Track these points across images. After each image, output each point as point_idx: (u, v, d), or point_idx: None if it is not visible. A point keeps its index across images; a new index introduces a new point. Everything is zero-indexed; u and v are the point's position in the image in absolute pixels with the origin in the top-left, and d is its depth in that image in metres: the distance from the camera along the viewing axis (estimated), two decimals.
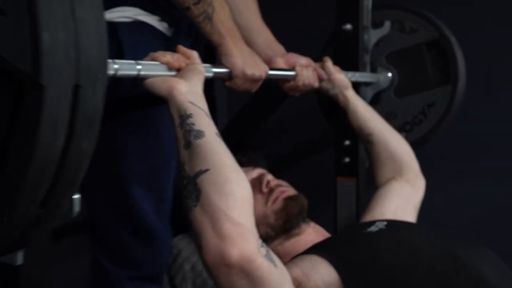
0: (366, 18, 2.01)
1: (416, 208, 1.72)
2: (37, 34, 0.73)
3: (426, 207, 1.77)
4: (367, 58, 2.06)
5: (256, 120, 2.15)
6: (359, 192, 1.99)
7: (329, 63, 1.81)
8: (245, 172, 1.27)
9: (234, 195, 1.05)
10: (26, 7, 0.73)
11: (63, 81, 0.76)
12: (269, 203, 1.54)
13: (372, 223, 1.48)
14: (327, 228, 1.65)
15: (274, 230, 1.47)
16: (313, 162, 2.57)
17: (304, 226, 1.56)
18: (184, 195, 1.08)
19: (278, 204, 1.55)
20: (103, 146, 1.34)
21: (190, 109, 1.12)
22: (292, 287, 1.12)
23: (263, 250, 1.08)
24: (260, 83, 1.48)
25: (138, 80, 1.17)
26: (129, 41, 1.31)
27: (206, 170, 1.07)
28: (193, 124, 1.11)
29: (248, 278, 1.03)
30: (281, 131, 2.82)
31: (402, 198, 1.69)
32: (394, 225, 1.49)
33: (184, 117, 1.12)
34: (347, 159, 2.00)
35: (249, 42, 1.67)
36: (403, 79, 2.17)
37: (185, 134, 1.11)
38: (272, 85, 1.67)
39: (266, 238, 1.45)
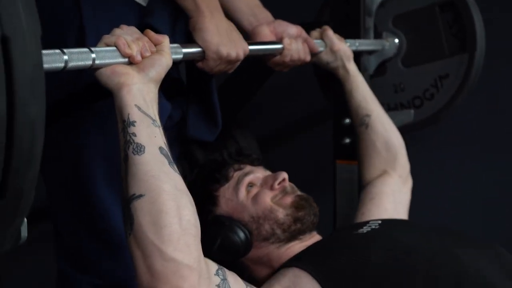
0: None
1: (407, 209, 1.70)
2: None
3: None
4: (370, 22, 1.95)
5: (239, 97, 2.06)
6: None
7: (330, 31, 1.73)
8: (256, 170, 1.45)
9: (169, 227, 1.02)
10: None
11: None
12: (279, 198, 1.47)
13: (365, 223, 1.45)
14: (325, 218, 1.64)
15: (281, 227, 1.39)
16: (310, 142, 2.53)
17: (309, 234, 1.49)
18: (122, 218, 1.06)
19: (289, 199, 1.47)
20: (64, 145, 1.38)
21: (135, 115, 1.07)
22: None
23: (217, 279, 1.09)
24: (237, 63, 1.40)
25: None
26: (91, 17, 1.23)
27: (140, 196, 1.03)
28: (134, 134, 1.06)
29: None
30: (271, 105, 2.77)
31: (396, 198, 1.67)
32: (389, 224, 1.46)
33: (126, 123, 1.07)
34: (347, 140, 1.92)
35: (229, 8, 1.61)
36: (413, 46, 2.05)
37: (124, 145, 1.07)
38: (255, 60, 1.59)
39: (269, 237, 1.42)
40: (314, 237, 1.49)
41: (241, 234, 1.40)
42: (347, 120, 1.87)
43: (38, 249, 1.95)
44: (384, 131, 1.73)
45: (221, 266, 1.14)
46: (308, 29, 1.72)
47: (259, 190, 1.40)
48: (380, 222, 1.44)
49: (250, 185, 1.42)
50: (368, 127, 1.73)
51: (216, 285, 1.08)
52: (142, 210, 1.03)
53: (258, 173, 1.50)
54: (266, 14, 1.63)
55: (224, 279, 1.11)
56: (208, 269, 1.09)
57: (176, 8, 1.35)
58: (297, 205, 1.46)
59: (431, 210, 2.34)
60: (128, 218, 1.04)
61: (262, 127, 2.54)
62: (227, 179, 1.47)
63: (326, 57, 1.73)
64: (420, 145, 2.29)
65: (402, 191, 1.71)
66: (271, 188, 1.47)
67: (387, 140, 1.73)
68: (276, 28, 1.62)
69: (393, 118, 1.82)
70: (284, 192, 1.49)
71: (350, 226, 1.54)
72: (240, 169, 1.47)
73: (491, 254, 1.29)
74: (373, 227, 1.40)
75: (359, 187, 1.81)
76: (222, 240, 1.41)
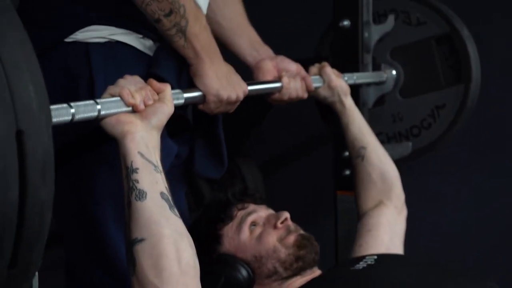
0: (367, 12, 1.94)
1: (402, 240, 1.72)
2: None
3: None
4: (368, 58, 2.00)
5: (243, 129, 2.11)
6: None
7: (328, 68, 1.78)
8: (259, 210, 1.48)
9: (169, 270, 1.07)
10: None
11: (3, 127, 0.76)
12: (283, 237, 1.51)
13: (362, 258, 1.49)
14: (326, 247, 1.67)
15: (283, 266, 1.43)
16: (312, 174, 2.57)
17: (310, 270, 1.53)
18: (126, 260, 1.12)
19: (292, 239, 1.51)
20: (74, 186, 1.42)
21: (138, 162, 1.12)
22: None
23: None
24: (237, 104, 1.44)
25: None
26: (101, 68, 1.28)
27: (142, 240, 1.08)
28: (137, 181, 1.11)
29: None
30: (271, 133, 2.79)
31: (392, 229, 1.70)
32: (384, 259, 1.50)
33: (130, 170, 1.12)
34: (347, 172, 1.97)
35: (232, 44, 1.67)
36: (410, 77, 2.10)
37: (128, 191, 1.12)
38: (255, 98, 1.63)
39: (271, 275, 1.46)
40: (315, 273, 1.53)
41: (244, 273, 1.45)
42: (347, 153, 1.89)
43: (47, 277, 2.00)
44: (380, 162, 1.77)
45: None
46: (307, 64, 1.77)
47: (262, 230, 1.44)
48: (376, 257, 1.47)
49: (253, 224, 1.46)
50: (364, 159, 1.77)
51: None
52: (143, 253, 1.08)
53: (261, 212, 1.53)
54: (267, 50, 1.67)
55: None
56: None
57: (180, 58, 1.40)
58: (299, 244, 1.50)
59: (426, 238, 2.38)
60: (131, 260, 1.09)
61: (262, 154, 2.58)
62: (231, 218, 1.51)
63: (323, 92, 1.77)
64: (416, 174, 2.33)
65: (398, 222, 1.73)
66: (274, 227, 1.51)
67: (383, 172, 1.76)
68: (278, 63, 1.67)
69: (391, 150, 1.87)
70: (288, 231, 1.52)
71: (347, 261, 1.57)
72: (243, 208, 1.51)
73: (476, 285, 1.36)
74: (369, 262, 1.44)
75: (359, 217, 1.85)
76: (226, 278, 1.45)
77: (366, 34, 1.95)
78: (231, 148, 1.71)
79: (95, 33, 1.27)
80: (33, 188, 0.78)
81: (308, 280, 1.46)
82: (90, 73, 1.27)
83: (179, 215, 1.15)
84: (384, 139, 2.10)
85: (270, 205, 1.64)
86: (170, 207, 1.13)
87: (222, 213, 1.53)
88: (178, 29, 1.31)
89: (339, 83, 1.77)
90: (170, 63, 1.37)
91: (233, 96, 1.41)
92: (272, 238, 1.46)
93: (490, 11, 2.30)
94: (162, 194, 1.13)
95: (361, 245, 1.65)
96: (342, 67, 1.83)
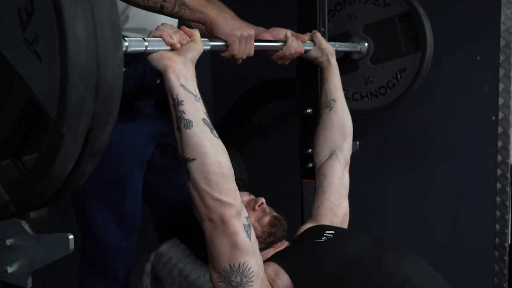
0: None
1: (348, 189, 1.89)
2: (66, 88, 0.85)
3: None
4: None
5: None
6: None
7: (318, 34, 1.95)
8: (242, 195, 1.50)
9: (215, 180, 1.29)
10: (58, 57, 0.86)
11: (80, 130, 0.90)
12: (260, 217, 1.72)
13: (322, 232, 1.67)
14: (294, 224, 1.87)
15: (259, 240, 1.55)
16: (281, 166, 2.81)
17: (280, 243, 1.75)
18: (180, 167, 1.32)
19: (266, 219, 1.73)
20: None
21: (181, 94, 1.28)
22: (257, 262, 1.37)
23: (245, 220, 1.35)
24: (252, 41, 1.55)
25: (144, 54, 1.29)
26: None
27: (193, 159, 1.28)
28: (183, 112, 1.28)
29: (223, 233, 1.31)
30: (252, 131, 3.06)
31: (342, 184, 1.87)
32: (340, 235, 1.66)
33: (176, 102, 1.28)
34: (310, 165, 2.12)
35: None
36: (378, 48, 2.33)
37: (177, 119, 1.29)
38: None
39: None
40: (284, 244, 1.75)
41: None
42: (310, 150, 2.06)
43: None
44: (343, 115, 1.92)
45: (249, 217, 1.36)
46: None
47: None
48: (333, 232, 1.65)
49: None
50: (332, 109, 1.92)
51: (243, 224, 1.33)
52: (195, 169, 1.29)
53: (244, 197, 1.69)
54: (255, 27, 1.75)
55: (249, 225, 1.35)
56: (242, 210, 1.35)
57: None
58: (271, 223, 1.72)
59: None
60: (186, 172, 1.30)
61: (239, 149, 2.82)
62: None
63: (315, 53, 1.92)
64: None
65: (345, 174, 1.89)
66: (253, 209, 1.71)
67: (343, 123, 1.91)
68: (273, 32, 1.83)
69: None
70: (263, 212, 1.74)
71: (312, 234, 1.71)
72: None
73: (412, 259, 1.53)
74: (329, 237, 1.62)
75: None
76: None
77: None
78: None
79: None
80: (84, 165, 0.95)
81: (278, 250, 1.67)
82: None
83: (217, 136, 1.31)
84: (358, 97, 2.35)
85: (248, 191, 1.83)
86: (211, 130, 1.30)
87: None
88: (179, 4, 1.43)
89: (328, 46, 1.94)
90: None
91: (246, 33, 1.51)
92: (251, 218, 1.58)
93: None
94: (203, 120, 1.30)
95: (318, 206, 1.85)
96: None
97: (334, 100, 1.94)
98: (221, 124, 2.58)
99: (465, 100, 2.58)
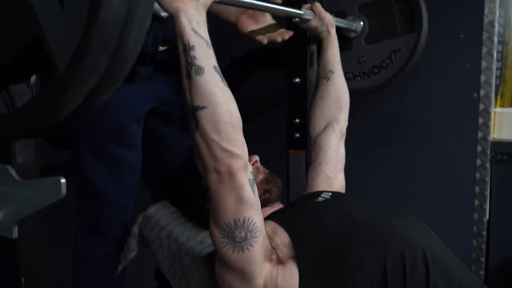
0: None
1: (344, 161, 1.90)
2: (84, 52, 0.84)
3: None
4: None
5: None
6: (308, 163, 2.09)
7: (318, 4, 1.95)
8: None
9: (225, 130, 1.26)
10: (85, 17, 0.84)
11: (84, 90, 0.91)
12: (255, 175, 1.67)
13: (319, 194, 1.67)
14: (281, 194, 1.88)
15: None
16: (269, 136, 2.72)
17: (276, 204, 1.77)
18: (186, 118, 1.29)
19: (261, 177, 1.74)
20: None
21: (193, 39, 1.25)
22: (260, 218, 1.35)
23: (250, 175, 1.32)
24: None
25: None
26: None
27: (203, 107, 1.25)
28: (195, 57, 1.25)
29: (230, 186, 1.28)
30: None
31: (337, 156, 1.87)
32: (337, 197, 1.67)
33: (187, 47, 1.25)
34: (297, 135, 2.17)
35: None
36: (373, 27, 2.32)
37: (187, 65, 1.25)
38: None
39: None
40: (279, 205, 1.77)
41: None
42: (297, 120, 2.13)
43: None
44: (340, 86, 1.93)
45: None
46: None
47: None
48: (331, 194, 1.66)
49: None
50: (329, 80, 1.93)
51: (248, 179, 1.30)
52: (205, 118, 1.25)
53: None
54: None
55: (253, 181, 1.33)
56: (248, 164, 1.32)
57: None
58: (266, 180, 1.74)
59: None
60: (194, 121, 1.26)
61: None
62: None
63: (315, 23, 1.92)
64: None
65: (340, 147, 1.90)
66: None
67: (340, 94, 1.92)
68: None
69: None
70: (258, 170, 1.76)
71: (308, 196, 1.73)
72: None
73: (411, 220, 1.52)
74: (326, 197, 1.62)
75: (306, 170, 1.99)
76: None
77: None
78: None
79: None
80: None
81: (275, 210, 1.66)
82: None
83: (227, 84, 1.29)
84: (351, 76, 2.35)
85: None
86: (222, 79, 1.28)
87: None
88: None
89: (327, 16, 1.93)
90: None
91: None
92: None
93: None
94: (215, 67, 1.27)
95: (313, 179, 1.83)
96: None
97: (332, 71, 1.95)
98: None
99: (449, 77, 2.63)
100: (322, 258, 1.39)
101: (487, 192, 2.59)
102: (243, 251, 1.33)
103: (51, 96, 0.89)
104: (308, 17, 1.92)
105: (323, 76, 1.96)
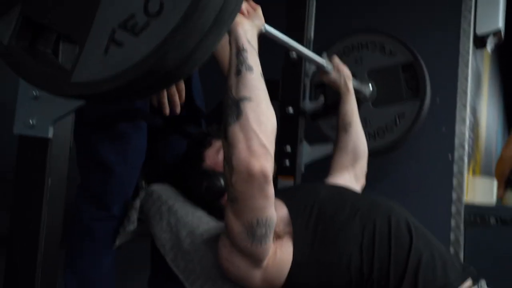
0: None
1: None
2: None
3: None
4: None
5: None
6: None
7: (336, 57, 2.06)
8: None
9: (266, 125, 1.30)
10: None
11: None
12: None
13: (318, 184, 1.77)
14: None
15: None
16: None
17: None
18: (226, 112, 1.32)
19: None
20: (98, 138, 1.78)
21: (247, 45, 1.35)
22: (273, 208, 1.39)
23: (271, 180, 1.34)
24: None
25: None
26: None
27: (250, 98, 1.30)
28: (246, 58, 1.33)
29: (259, 187, 1.29)
30: None
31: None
32: (335, 185, 1.80)
33: (241, 50, 1.34)
34: (287, 163, 2.24)
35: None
36: (380, 92, 2.43)
37: (238, 64, 1.32)
38: None
39: None
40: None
41: (221, 181, 1.71)
42: (288, 148, 2.20)
43: None
44: (356, 139, 1.98)
45: None
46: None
47: None
48: (330, 185, 1.77)
49: None
50: (347, 133, 1.98)
51: (269, 180, 1.31)
52: (250, 108, 1.29)
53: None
54: None
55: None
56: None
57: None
58: None
59: None
60: (236, 111, 1.29)
61: None
62: (210, 144, 1.77)
63: (334, 76, 2.02)
64: None
65: (355, 185, 1.93)
66: None
67: (356, 146, 1.97)
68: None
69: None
70: None
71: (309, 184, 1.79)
72: (219, 138, 1.69)
73: (393, 203, 1.60)
74: (326, 186, 1.73)
75: None
76: (208, 183, 1.71)
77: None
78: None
79: None
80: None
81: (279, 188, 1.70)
82: None
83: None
84: None
85: None
86: (264, 86, 1.34)
87: (205, 141, 1.79)
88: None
89: (345, 69, 2.03)
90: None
91: None
92: None
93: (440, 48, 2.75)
94: (261, 74, 1.35)
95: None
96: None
97: (349, 124, 2.01)
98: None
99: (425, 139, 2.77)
100: (315, 227, 1.47)
101: (461, 254, 2.68)
102: (261, 244, 1.38)
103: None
104: (329, 67, 2.01)
105: (341, 128, 2.02)
